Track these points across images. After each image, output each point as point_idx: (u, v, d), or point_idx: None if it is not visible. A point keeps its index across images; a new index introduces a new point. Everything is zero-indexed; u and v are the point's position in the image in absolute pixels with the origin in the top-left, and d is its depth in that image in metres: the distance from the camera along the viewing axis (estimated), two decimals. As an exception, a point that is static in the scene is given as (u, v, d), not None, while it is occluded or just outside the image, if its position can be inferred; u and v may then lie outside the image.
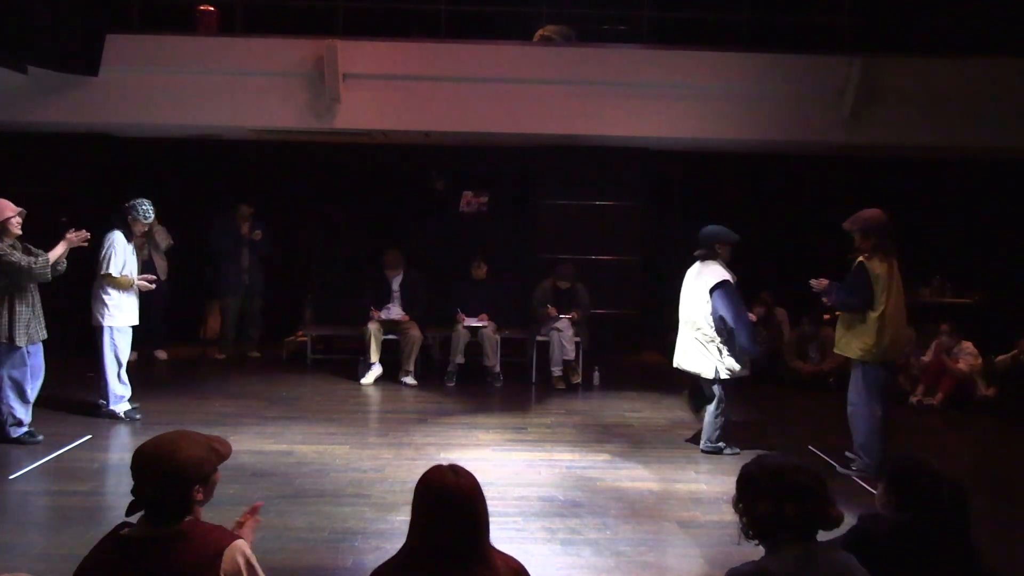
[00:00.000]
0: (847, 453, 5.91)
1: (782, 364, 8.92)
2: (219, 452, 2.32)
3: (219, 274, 9.32)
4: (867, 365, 5.72)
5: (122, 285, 6.50)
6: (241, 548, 2.19)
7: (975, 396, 7.98)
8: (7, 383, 5.82)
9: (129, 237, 6.62)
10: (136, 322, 6.75)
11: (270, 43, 8.72)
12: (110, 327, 6.50)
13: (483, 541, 2.19)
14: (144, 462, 2.22)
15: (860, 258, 5.76)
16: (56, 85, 8.44)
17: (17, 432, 5.88)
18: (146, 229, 6.81)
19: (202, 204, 10.19)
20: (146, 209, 6.58)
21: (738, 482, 2.35)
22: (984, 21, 9.34)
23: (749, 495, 2.29)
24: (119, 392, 6.58)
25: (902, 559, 2.52)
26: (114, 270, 6.44)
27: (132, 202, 6.59)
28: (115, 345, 6.53)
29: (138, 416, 6.61)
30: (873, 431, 5.71)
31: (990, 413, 7.84)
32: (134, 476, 2.22)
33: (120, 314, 6.54)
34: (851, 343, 5.76)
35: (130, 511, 2.22)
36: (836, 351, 6.09)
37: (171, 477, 2.18)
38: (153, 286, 6.72)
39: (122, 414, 6.57)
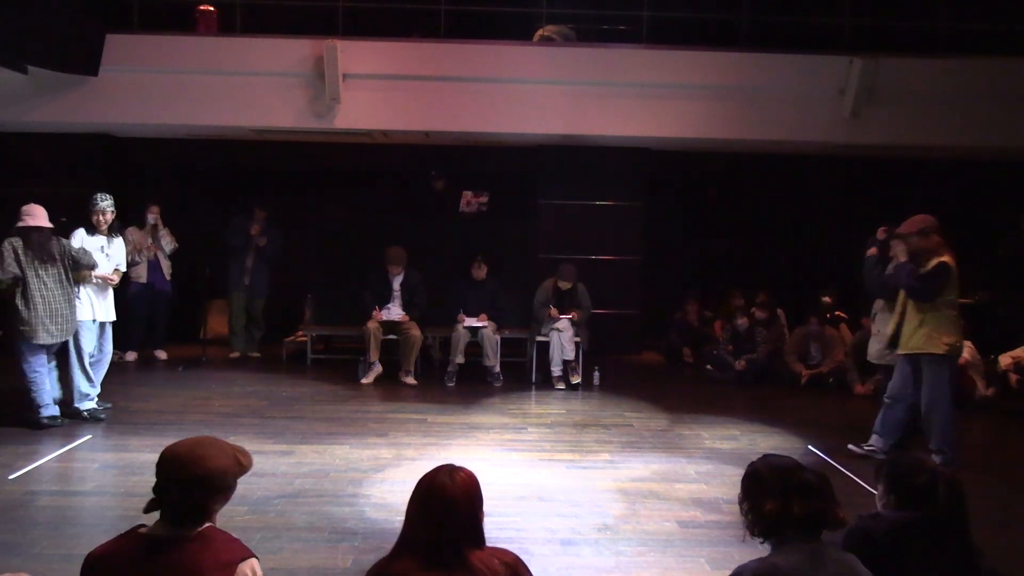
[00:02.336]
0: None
1: (782, 364, 8.92)
2: (242, 464, 2.37)
3: (226, 271, 9.36)
4: (946, 361, 5.75)
5: (81, 279, 6.50)
6: (253, 566, 2.26)
7: (975, 396, 7.98)
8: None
9: (92, 232, 6.65)
10: (101, 317, 6.64)
11: (270, 43, 8.72)
12: None
13: (467, 546, 2.19)
14: (172, 466, 2.26)
15: (936, 259, 5.73)
16: (56, 85, 8.45)
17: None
18: (111, 217, 6.71)
19: (201, 204, 10.21)
20: (100, 196, 6.67)
21: (744, 480, 2.35)
22: (984, 21, 9.34)
23: (755, 493, 2.28)
24: (84, 389, 6.51)
25: (902, 558, 2.52)
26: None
27: (91, 199, 6.69)
28: (75, 341, 6.45)
29: (102, 416, 6.52)
30: (951, 424, 5.79)
31: (990, 413, 7.84)
32: (160, 477, 2.27)
33: (79, 308, 6.47)
34: (931, 340, 5.73)
35: (148, 509, 2.27)
36: (905, 351, 5.87)
37: (196, 484, 2.24)
38: (116, 280, 6.78)
39: (84, 412, 6.48)
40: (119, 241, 6.87)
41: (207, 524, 2.28)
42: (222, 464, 2.29)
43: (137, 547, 2.21)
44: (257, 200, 9.44)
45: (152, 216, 9.12)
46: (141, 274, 9.11)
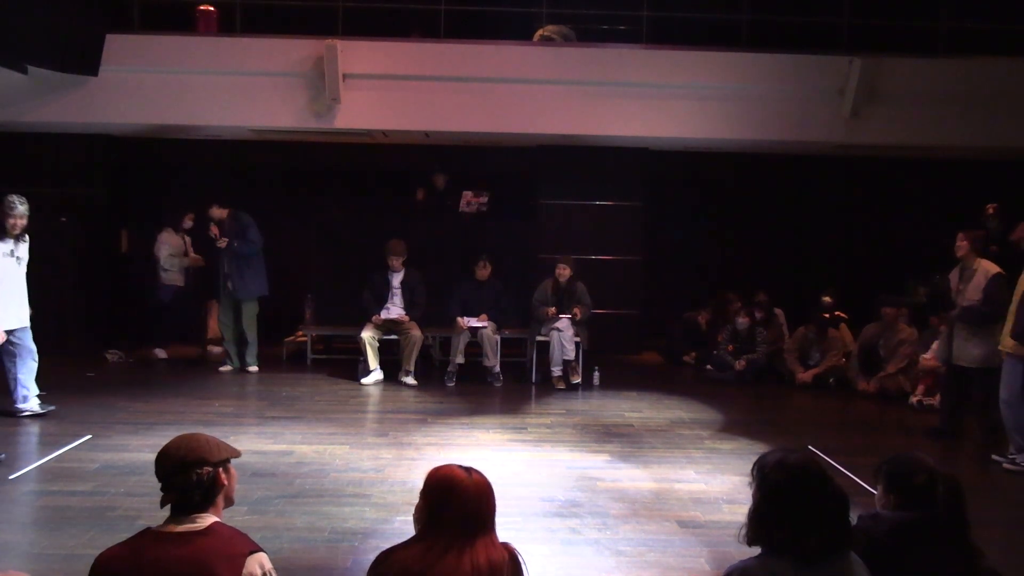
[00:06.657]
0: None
1: (782, 363, 8.92)
2: (229, 447, 2.46)
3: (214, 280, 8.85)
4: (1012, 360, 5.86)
5: None
6: (261, 560, 2.30)
7: (975, 396, 7.95)
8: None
9: (2, 236, 6.30)
10: (10, 326, 6.31)
11: (270, 43, 8.71)
12: None
13: (486, 536, 2.26)
14: (167, 456, 2.36)
15: None
16: (56, 85, 8.44)
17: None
18: (24, 222, 6.36)
19: (201, 204, 10.20)
20: (19, 199, 6.31)
21: (760, 478, 2.29)
22: (984, 21, 9.34)
23: (763, 492, 2.24)
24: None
25: (902, 558, 2.52)
26: None
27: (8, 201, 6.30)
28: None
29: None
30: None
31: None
32: (160, 472, 2.35)
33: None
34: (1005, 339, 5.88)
35: (163, 503, 2.35)
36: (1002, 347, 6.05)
37: (192, 461, 2.32)
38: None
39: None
40: (25, 243, 6.51)
41: (215, 520, 2.33)
42: (205, 439, 2.40)
43: (146, 544, 2.27)
44: (212, 198, 8.62)
45: (188, 222, 9.21)
46: (176, 279, 9.17)
